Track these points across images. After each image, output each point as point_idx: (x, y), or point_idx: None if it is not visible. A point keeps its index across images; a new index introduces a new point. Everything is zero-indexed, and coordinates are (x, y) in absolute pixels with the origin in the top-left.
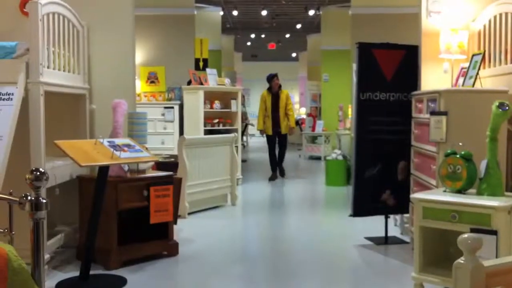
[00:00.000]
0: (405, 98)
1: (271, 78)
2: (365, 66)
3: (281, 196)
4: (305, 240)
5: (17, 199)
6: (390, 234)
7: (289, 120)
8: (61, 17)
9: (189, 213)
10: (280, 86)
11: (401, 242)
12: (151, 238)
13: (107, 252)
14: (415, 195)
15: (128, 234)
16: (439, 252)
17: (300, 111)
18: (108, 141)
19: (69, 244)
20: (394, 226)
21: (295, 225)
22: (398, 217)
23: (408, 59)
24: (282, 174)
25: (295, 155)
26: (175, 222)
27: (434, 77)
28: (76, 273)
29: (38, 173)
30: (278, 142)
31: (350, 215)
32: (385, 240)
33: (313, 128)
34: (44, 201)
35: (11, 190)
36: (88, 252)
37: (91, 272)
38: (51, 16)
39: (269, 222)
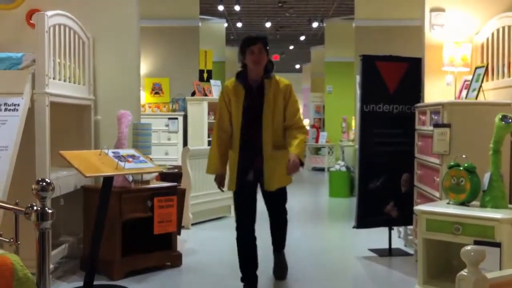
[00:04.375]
0: (408, 110)
1: (244, 45)
2: (369, 78)
3: None
4: (308, 251)
5: (23, 209)
6: (393, 246)
7: (292, 144)
8: (67, 29)
9: (193, 224)
10: (269, 67)
11: (405, 254)
12: (155, 249)
13: (110, 263)
14: (419, 207)
15: (132, 245)
16: (442, 264)
17: (304, 123)
18: (113, 152)
19: (73, 255)
20: (398, 238)
21: (298, 236)
22: (401, 229)
23: (411, 72)
24: (281, 274)
25: None
26: (179, 233)
27: (437, 89)
28: (80, 284)
29: (44, 183)
30: (267, 203)
31: (354, 227)
32: (389, 252)
33: (317, 140)
34: (50, 211)
35: (17, 200)
36: (92, 262)
37: (95, 283)
38: (57, 27)
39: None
